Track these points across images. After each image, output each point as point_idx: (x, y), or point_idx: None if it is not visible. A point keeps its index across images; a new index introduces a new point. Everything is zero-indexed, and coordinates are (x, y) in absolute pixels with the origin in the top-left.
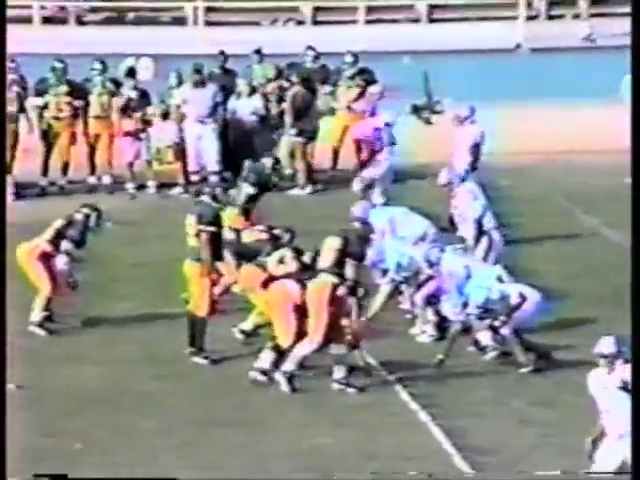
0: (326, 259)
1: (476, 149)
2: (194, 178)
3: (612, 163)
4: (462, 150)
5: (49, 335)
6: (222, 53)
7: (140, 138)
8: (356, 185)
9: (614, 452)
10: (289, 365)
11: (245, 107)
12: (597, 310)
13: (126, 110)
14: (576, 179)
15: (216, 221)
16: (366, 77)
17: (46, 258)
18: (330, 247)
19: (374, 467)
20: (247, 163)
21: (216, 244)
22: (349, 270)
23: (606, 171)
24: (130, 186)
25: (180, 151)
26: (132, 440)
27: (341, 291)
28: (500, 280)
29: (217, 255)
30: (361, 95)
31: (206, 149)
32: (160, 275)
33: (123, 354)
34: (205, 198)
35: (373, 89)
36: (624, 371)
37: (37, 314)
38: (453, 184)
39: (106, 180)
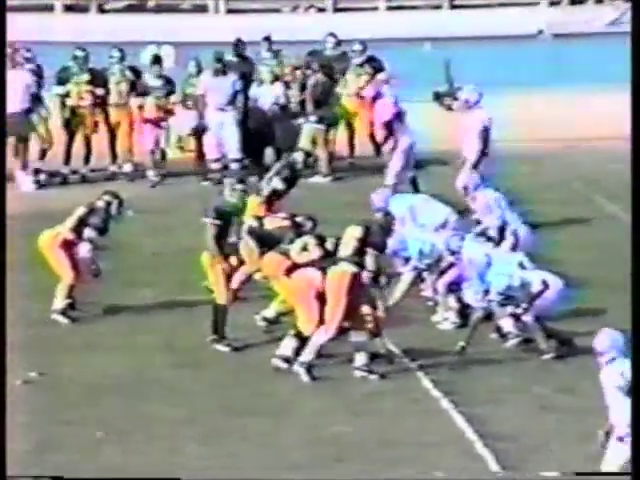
0: (347, 248)
1: (485, 134)
2: (215, 166)
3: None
4: (472, 136)
5: (71, 323)
6: (239, 41)
7: (161, 126)
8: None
9: (618, 451)
10: (307, 355)
11: (266, 95)
12: (618, 297)
13: (143, 95)
14: (597, 165)
15: (220, 215)
16: (374, 65)
17: (68, 246)
18: (352, 236)
19: (395, 455)
20: (281, 157)
21: (220, 238)
22: (369, 260)
23: (628, 157)
24: (151, 173)
25: (200, 139)
26: (153, 428)
27: (361, 280)
28: (522, 267)
29: (221, 248)
30: (369, 82)
31: (227, 137)
32: (181, 264)
33: (144, 342)
34: (226, 191)
35: (380, 76)
36: (619, 369)
37: (60, 302)
38: (469, 188)
39: (127, 168)
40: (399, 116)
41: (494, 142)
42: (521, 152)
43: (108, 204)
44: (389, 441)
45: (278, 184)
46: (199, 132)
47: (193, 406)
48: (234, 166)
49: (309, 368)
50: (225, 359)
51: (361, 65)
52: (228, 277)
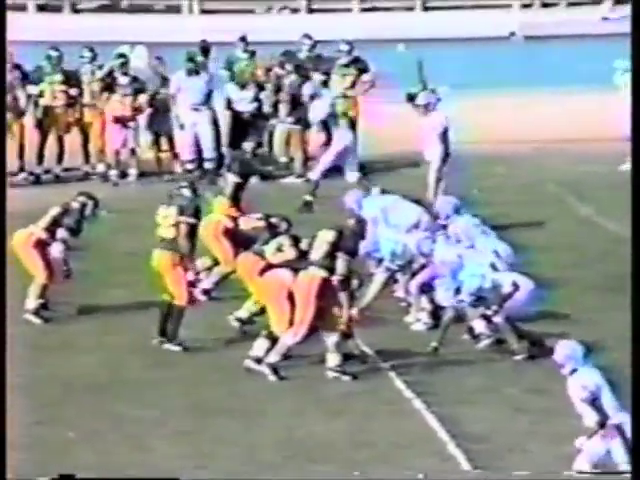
0: (318, 251)
1: (445, 136)
2: (189, 166)
3: (606, 151)
4: (432, 139)
5: (44, 323)
6: (204, 41)
7: (128, 126)
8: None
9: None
10: (274, 356)
11: (239, 96)
12: (591, 298)
13: (109, 91)
14: (570, 167)
15: (196, 214)
16: (359, 65)
17: (42, 246)
18: (324, 240)
19: (368, 455)
20: (228, 152)
21: (193, 236)
22: (340, 264)
23: (600, 159)
24: (113, 173)
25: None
26: (125, 428)
27: (331, 284)
28: (494, 268)
29: (193, 247)
30: (354, 83)
31: (201, 136)
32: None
33: (117, 342)
34: (185, 191)
35: (365, 77)
36: (580, 381)
37: (32, 302)
38: (441, 215)
39: (100, 168)
40: (332, 115)
41: (466, 143)
42: (493, 153)
43: (83, 205)
44: (362, 441)
45: (234, 178)
46: (169, 132)
47: (165, 406)
48: (208, 165)
49: (275, 369)
50: (198, 360)
51: (347, 65)
52: (186, 277)
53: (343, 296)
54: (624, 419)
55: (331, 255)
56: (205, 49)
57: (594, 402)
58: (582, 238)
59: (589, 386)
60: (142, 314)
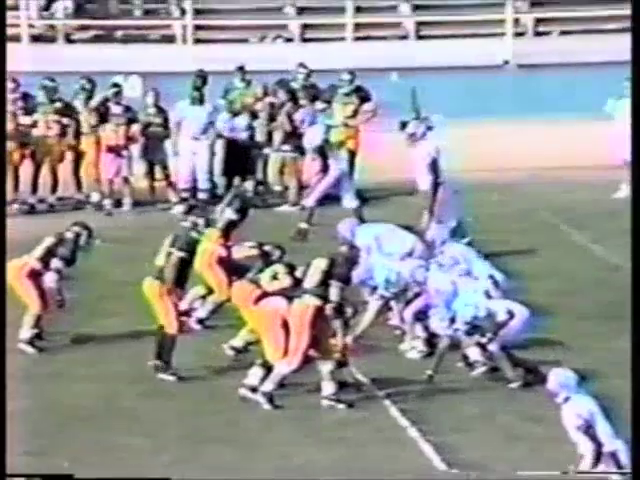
0: (311, 280)
1: (434, 165)
2: (184, 195)
3: (599, 179)
4: (421, 168)
5: (38, 352)
6: (201, 72)
7: (122, 155)
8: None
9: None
10: (268, 385)
11: (232, 125)
12: (585, 326)
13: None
14: (563, 195)
15: (188, 248)
16: (361, 94)
17: (35, 276)
18: (317, 268)
19: None
20: (232, 188)
21: (182, 270)
22: (333, 291)
23: (593, 187)
24: (107, 202)
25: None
26: (121, 458)
27: (325, 313)
28: (488, 295)
29: (180, 280)
30: (356, 112)
31: (198, 166)
32: None
33: (112, 371)
34: (187, 224)
35: (367, 106)
36: (574, 409)
37: (26, 331)
38: (436, 243)
39: (94, 197)
40: (327, 142)
41: (460, 171)
42: (487, 181)
43: (77, 235)
44: (357, 470)
45: (231, 215)
46: (164, 161)
47: (161, 435)
48: (202, 195)
49: (271, 398)
50: (193, 389)
51: (348, 94)
52: (175, 306)
53: (337, 324)
54: (619, 447)
55: (325, 283)
56: (203, 78)
57: (588, 430)
58: (576, 266)
59: (583, 414)
60: (136, 343)
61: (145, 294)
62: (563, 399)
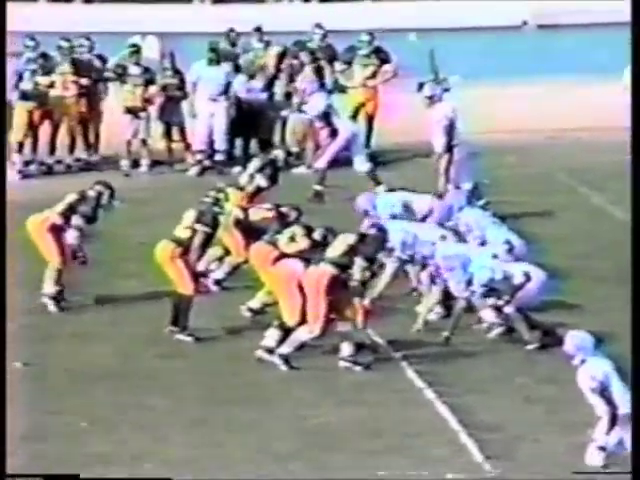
0: (335, 250)
1: (451, 127)
2: (200, 156)
3: (617, 140)
4: (437, 130)
5: (58, 312)
6: (232, 31)
7: (139, 116)
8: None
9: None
10: (286, 348)
11: (251, 86)
12: (602, 289)
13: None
14: (581, 156)
15: (213, 223)
16: (381, 56)
17: (56, 231)
18: (343, 241)
19: (380, 444)
20: (260, 154)
21: (206, 244)
22: (357, 269)
23: (612, 148)
24: (125, 163)
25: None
26: (138, 418)
27: (341, 281)
28: (495, 257)
29: (203, 253)
30: (375, 73)
31: (216, 127)
32: None
33: (129, 332)
34: (208, 200)
35: (387, 67)
36: (589, 372)
37: (50, 287)
38: (454, 209)
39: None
40: (330, 107)
41: (477, 133)
42: (505, 143)
43: (99, 194)
44: (373, 431)
45: (262, 182)
46: (183, 123)
47: (178, 396)
48: (218, 156)
49: (287, 359)
50: (210, 350)
51: (368, 56)
52: (190, 268)
53: (356, 289)
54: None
55: (347, 255)
56: (232, 38)
57: (603, 392)
58: (594, 228)
59: (598, 376)
60: (154, 304)
61: (157, 256)
62: (579, 361)
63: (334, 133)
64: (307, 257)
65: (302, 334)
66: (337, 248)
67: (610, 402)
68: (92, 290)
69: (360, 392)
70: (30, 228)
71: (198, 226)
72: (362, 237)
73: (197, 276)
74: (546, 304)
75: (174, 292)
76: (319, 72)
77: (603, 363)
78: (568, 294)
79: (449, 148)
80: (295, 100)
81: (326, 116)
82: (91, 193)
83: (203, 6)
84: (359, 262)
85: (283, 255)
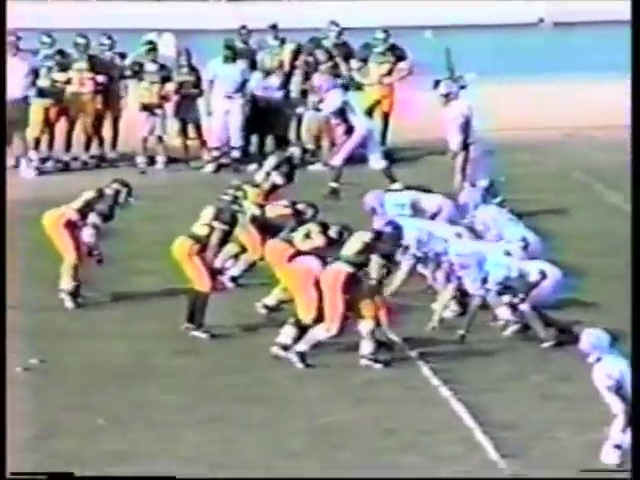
0: (351, 248)
1: (467, 125)
2: (215, 153)
3: None
4: (453, 128)
5: (75, 308)
6: (243, 27)
7: (155, 114)
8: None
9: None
10: (302, 345)
11: (267, 83)
12: (618, 286)
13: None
14: (597, 155)
15: (232, 221)
16: (397, 53)
17: (72, 227)
18: (359, 239)
19: (394, 442)
20: (276, 152)
21: (223, 242)
22: (374, 267)
23: (627, 146)
24: (140, 160)
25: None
26: (153, 415)
27: (357, 279)
28: (509, 255)
29: (220, 251)
30: (391, 71)
31: (231, 125)
32: None
33: (145, 329)
34: (227, 198)
35: (402, 65)
36: (605, 370)
37: (68, 283)
38: (469, 206)
39: (140, 160)
40: (346, 104)
41: (493, 131)
42: (521, 140)
43: (117, 192)
44: (388, 429)
45: (278, 179)
46: (199, 120)
47: (193, 393)
48: (234, 154)
49: (303, 356)
50: (225, 346)
51: (383, 53)
52: (207, 265)
53: (373, 287)
54: None
55: (362, 254)
56: (244, 35)
57: (619, 390)
58: (609, 226)
59: (614, 374)
60: (170, 301)
61: (174, 253)
62: (595, 359)
63: (350, 130)
64: (323, 254)
65: (320, 332)
66: (353, 246)
67: (626, 400)
68: (108, 287)
69: (375, 390)
70: (46, 223)
71: (216, 223)
72: (378, 235)
73: (214, 273)
74: (561, 302)
75: (190, 289)
76: (335, 69)
77: (619, 361)
78: (584, 292)
79: (465, 146)
80: (311, 97)
81: (342, 113)
82: (108, 191)
83: (219, 3)
84: (376, 260)
85: (299, 252)
